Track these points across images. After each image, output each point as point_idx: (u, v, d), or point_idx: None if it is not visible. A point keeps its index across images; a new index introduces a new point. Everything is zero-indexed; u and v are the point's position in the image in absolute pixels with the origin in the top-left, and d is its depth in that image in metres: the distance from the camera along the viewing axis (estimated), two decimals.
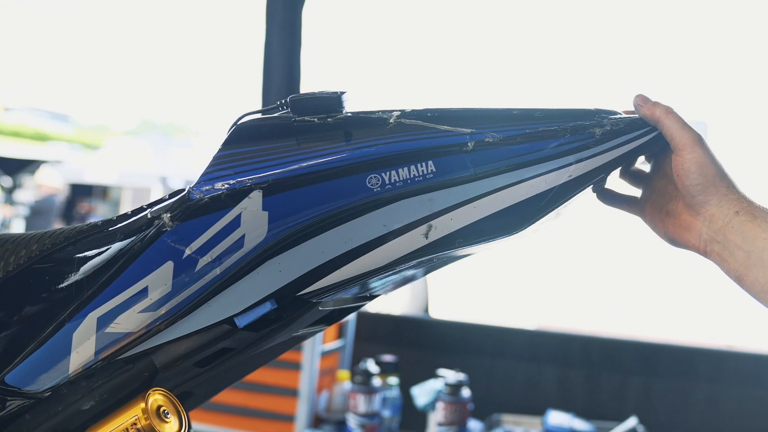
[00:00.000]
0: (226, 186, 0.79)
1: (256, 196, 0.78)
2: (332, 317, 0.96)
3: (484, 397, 2.64)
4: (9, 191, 10.67)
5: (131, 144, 16.74)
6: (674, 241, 0.88)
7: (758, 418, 2.52)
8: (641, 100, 0.85)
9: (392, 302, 3.48)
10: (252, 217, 0.78)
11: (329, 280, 0.82)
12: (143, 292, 0.80)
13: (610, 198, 0.93)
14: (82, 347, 0.82)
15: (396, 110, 0.81)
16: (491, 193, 0.80)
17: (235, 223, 0.78)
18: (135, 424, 0.81)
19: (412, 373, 2.72)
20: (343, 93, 0.83)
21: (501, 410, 2.66)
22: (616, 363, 2.67)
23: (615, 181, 0.93)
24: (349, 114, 0.82)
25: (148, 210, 0.83)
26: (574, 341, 2.77)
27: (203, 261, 0.79)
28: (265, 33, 2.68)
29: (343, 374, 2.73)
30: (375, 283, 0.89)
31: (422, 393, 2.55)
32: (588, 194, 0.88)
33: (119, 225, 0.84)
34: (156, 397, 0.83)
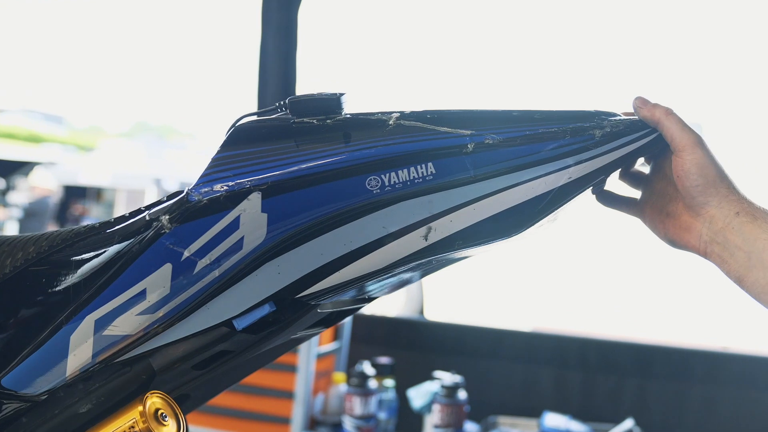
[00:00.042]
0: (225, 188, 0.78)
1: (255, 198, 0.78)
2: (331, 319, 0.96)
3: (481, 399, 2.64)
4: (2, 193, 10.65)
5: (125, 146, 16.73)
6: (674, 243, 0.88)
7: (753, 419, 2.52)
8: (641, 102, 0.84)
9: (387, 304, 3.48)
10: (251, 219, 0.78)
11: (328, 282, 0.81)
12: (141, 295, 0.80)
13: (610, 199, 0.93)
14: (80, 350, 0.81)
15: (395, 112, 0.81)
16: (491, 195, 0.79)
17: (234, 225, 0.78)
18: (133, 427, 0.80)
19: (409, 375, 2.71)
20: (342, 94, 0.82)
21: (497, 412, 2.66)
22: (612, 365, 2.68)
23: (614, 183, 0.92)
24: (348, 115, 0.82)
25: (147, 212, 0.82)
26: (571, 343, 2.77)
27: (202, 263, 0.79)
28: (261, 35, 2.68)
29: (339, 376, 2.73)
30: (374, 286, 0.89)
31: (418, 395, 2.54)
32: (587, 196, 0.88)
33: (117, 227, 0.83)
34: (154, 400, 0.82)
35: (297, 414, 2.51)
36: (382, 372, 2.65)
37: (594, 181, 0.83)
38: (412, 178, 0.79)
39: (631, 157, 0.85)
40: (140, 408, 0.81)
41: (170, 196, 0.82)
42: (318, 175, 0.78)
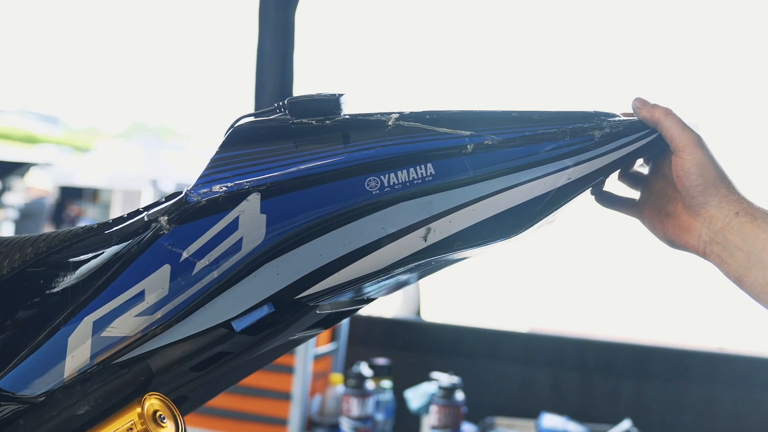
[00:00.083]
0: (224, 189, 0.78)
1: (254, 199, 0.78)
2: (329, 320, 0.96)
3: (478, 400, 2.64)
4: None
5: (122, 147, 16.70)
6: (673, 243, 0.88)
7: (751, 419, 2.52)
8: (640, 102, 0.84)
9: (384, 305, 3.48)
10: (250, 219, 0.78)
11: (327, 283, 0.81)
12: (140, 296, 0.79)
13: (609, 200, 0.93)
14: (78, 351, 0.81)
15: (394, 112, 0.81)
16: (490, 195, 0.79)
17: (233, 226, 0.78)
18: (131, 429, 0.80)
19: (406, 376, 2.71)
20: (341, 95, 0.82)
21: (495, 413, 2.66)
22: (609, 366, 2.68)
23: (613, 184, 0.92)
24: (347, 116, 0.82)
25: (145, 213, 0.82)
26: (568, 344, 2.78)
27: (200, 264, 0.78)
28: (258, 35, 2.68)
29: (337, 377, 2.72)
30: (373, 286, 0.89)
31: (416, 396, 2.54)
32: (585, 197, 0.88)
33: (115, 228, 0.83)
34: (152, 402, 0.82)
35: (294, 415, 2.50)
36: (379, 373, 2.65)
37: (593, 182, 0.83)
38: (411, 178, 0.78)
39: (631, 158, 0.85)
40: (138, 410, 0.80)
41: (169, 197, 0.82)
42: (317, 175, 0.78)
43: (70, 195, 13.78)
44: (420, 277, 0.99)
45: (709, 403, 2.56)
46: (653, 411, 2.60)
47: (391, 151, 0.79)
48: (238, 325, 0.83)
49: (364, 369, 2.52)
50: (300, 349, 2.49)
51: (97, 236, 0.83)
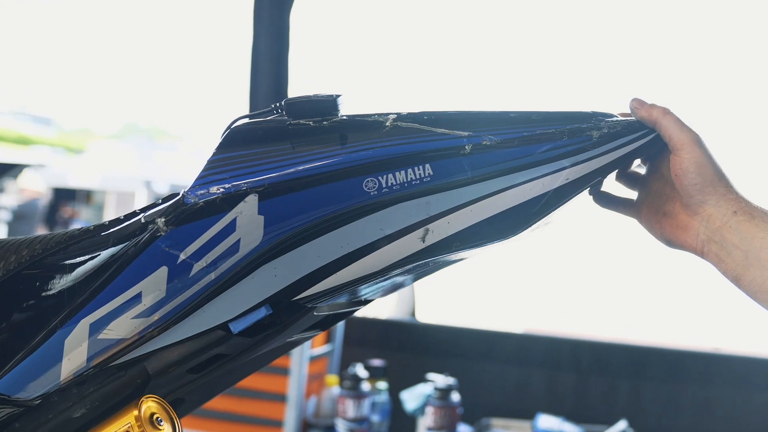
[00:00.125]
0: (222, 190, 0.78)
1: (252, 200, 0.77)
2: (326, 322, 0.95)
3: (474, 401, 2.64)
4: None
5: (115, 148, 16.69)
6: (671, 243, 0.88)
7: (747, 420, 2.53)
8: (638, 102, 0.84)
9: (379, 307, 3.48)
10: (247, 221, 0.77)
11: (325, 284, 0.81)
12: (136, 298, 0.79)
13: (607, 201, 0.93)
14: (74, 354, 0.81)
15: (392, 113, 0.80)
16: (488, 196, 0.79)
17: (231, 227, 0.77)
18: (128, 431, 0.79)
19: (401, 377, 2.71)
20: (338, 96, 0.82)
21: (490, 414, 2.66)
22: (605, 366, 2.68)
23: (611, 184, 0.92)
24: (345, 117, 0.81)
25: (142, 214, 0.82)
26: (563, 345, 2.78)
27: (198, 266, 0.78)
28: (253, 36, 2.67)
29: (332, 379, 2.72)
30: (370, 288, 0.89)
31: (411, 397, 2.54)
32: (583, 198, 0.88)
33: (112, 230, 0.83)
34: (149, 405, 0.81)
35: (290, 417, 2.50)
36: (374, 374, 2.64)
37: (591, 182, 0.83)
38: (409, 179, 0.78)
39: (629, 158, 0.85)
40: (135, 412, 0.80)
41: (166, 199, 0.82)
42: (315, 177, 0.78)
43: (63, 196, 13.73)
44: (417, 279, 0.99)
45: (705, 404, 2.56)
46: (649, 412, 2.60)
47: (389, 152, 0.78)
48: (236, 327, 0.83)
49: (360, 370, 2.52)
50: (295, 351, 2.48)
51: (94, 238, 0.83)
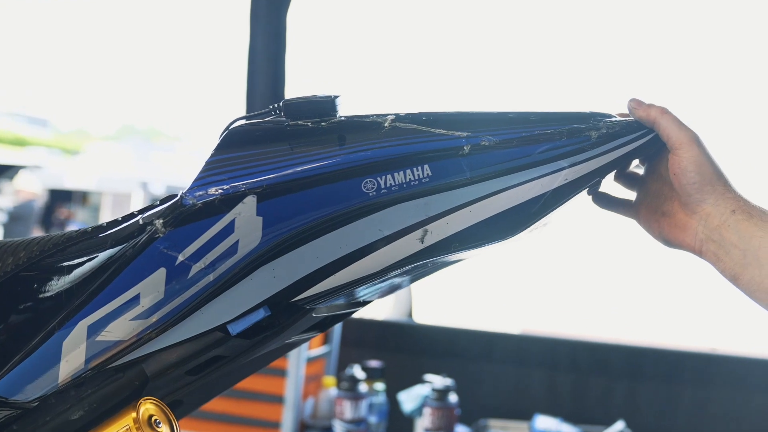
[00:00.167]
0: (220, 191, 0.78)
1: (250, 202, 0.77)
2: (325, 323, 0.95)
3: (471, 402, 2.64)
4: None
5: (111, 149, 16.66)
6: (669, 242, 0.88)
7: (744, 420, 2.53)
8: (635, 103, 0.85)
9: (376, 308, 3.47)
10: (246, 222, 0.77)
11: (324, 285, 0.80)
12: (135, 300, 0.79)
13: (605, 201, 0.93)
14: (72, 356, 0.80)
15: (390, 114, 0.80)
16: (487, 196, 0.79)
17: (229, 228, 0.77)
18: None
19: (399, 378, 2.71)
20: (336, 97, 0.82)
21: (488, 415, 2.66)
22: (603, 367, 2.68)
23: (609, 185, 0.92)
24: (343, 118, 0.81)
25: (140, 216, 0.81)
26: (561, 346, 2.78)
27: (196, 267, 0.78)
28: (250, 37, 2.67)
29: (329, 380, 2.72)
30: (369, 289, 0.88)
31: (409, 398, 2.54)
32: (581, 199, 0.87)
33: (110, 231, 0.82)
34: (147, 407, 0.81)
35: (287, 418, 2.50)
36: (372, 375, 2.64)
37: (590, 182, 0.82)
38: (408, 180, 0.78)
39: (627, 159, 0.85)
40: (134, 414, 0.80)
41: (164, 200, 0.81)
42: (313, 177, 0.78)
43: (59, 198, 13.72)
44: (415, 280, 0.99)
45: (703, 404, 2.56)
46: (647, 412, 2.60)
47: (387, 153, 0.78)
48: (234, 329, 0.82)
49: (357, 371, 2.52)
50: (293, 352, 2.48)
51: (92, 240, 0.82)
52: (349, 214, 0.78)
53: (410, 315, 3.95)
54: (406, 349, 2.89)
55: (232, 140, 0.81)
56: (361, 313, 3.03)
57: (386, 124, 0.79)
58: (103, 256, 0.81)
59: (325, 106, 0.81)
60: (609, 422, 2.52)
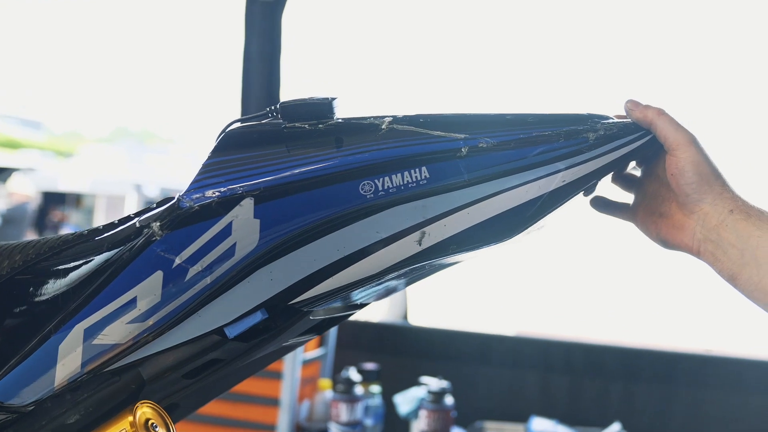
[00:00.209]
0: (217, 194, 0.77)
1: (248, 204, 0.77)
2: (322, 326, 0.95)
3: (467, 404, 2.63)
4: None
5: (105, 151, 16.64)
6: (667, 243, 0.88)
7: (740, 421, 2.53)
8: (632, 104, 0.85)
9: (371, 310, 3.47)
10: (243, 225, 0.77)
11: (321, 288, 0.80)
12: (131, 303, 0.78)
13: (603, 205, 0.93)
14: (68, 359, 0.80)
15: (388, 116, 0.80)
16: (485, 198, 0.79)
17: (226, 231, 0.77)
18: None
19: (395, 381, 2.70)
20: (333, 99, 0.82)
21: (484, 417, 2.65)
22: (598, 369, 2.68)
23: (607, 187, 0.92)
24: (340, 120, 0.81)
25: (137, 219, 0.81)
26: (556, 347, 2.77)
27: (193, 270, 0.77)
28: (244, 39, 2.66)
29: (325, 383, 2.71)
30: (367, 291, 0.88)
31: (405, 401, 2.53)
32: (578, 201, 0.87)
33: (106, 234, 0.82)
34: (144, 410, 0.81)
35: (282, 421, 2.49)
36: (368, 378, 2.64)
37: (587, 184, 0.83)
38: (405, 182, 0.78)
39: (625, 160, 0.85)
40: (130, 418, 0.79)
41: (161, 203, 0.81)
42: (311, 180, 0.77)
43: (53, 200, 13.69)
44: (412, 282, 0.99)
45: (699, 406, 2.56)
46: (643, 413, 2.60)
47: (385, 155, 0.78)
48: (231, 332, 0.82)
49: (353, 374, 2.51)
50: (288, 355, 2.48)
51: (88, 243, 0.82)
52: (347, 216, 0.78)
53: (405, 317, 3.94)
54: (402, 352, 2.88)
55: (229, 143, 0.80)
56: (356, 316, 3.01)
57: (383, 126, 0.79)
58: (99, 259, 0.80)
59: (322, 108, 0.81)
60: (605, 424, 2.52)
